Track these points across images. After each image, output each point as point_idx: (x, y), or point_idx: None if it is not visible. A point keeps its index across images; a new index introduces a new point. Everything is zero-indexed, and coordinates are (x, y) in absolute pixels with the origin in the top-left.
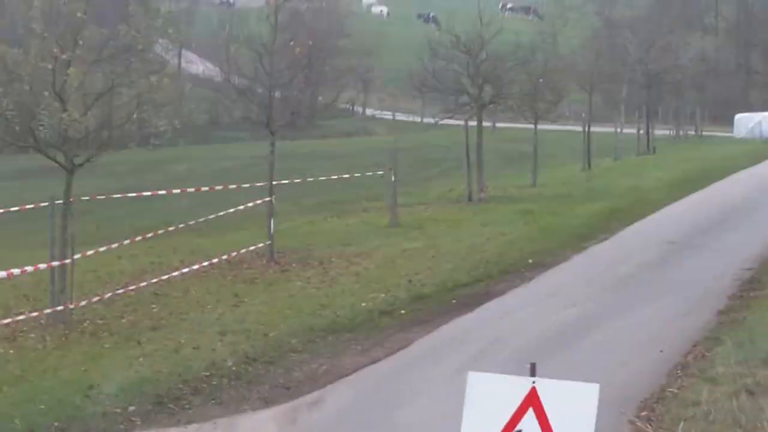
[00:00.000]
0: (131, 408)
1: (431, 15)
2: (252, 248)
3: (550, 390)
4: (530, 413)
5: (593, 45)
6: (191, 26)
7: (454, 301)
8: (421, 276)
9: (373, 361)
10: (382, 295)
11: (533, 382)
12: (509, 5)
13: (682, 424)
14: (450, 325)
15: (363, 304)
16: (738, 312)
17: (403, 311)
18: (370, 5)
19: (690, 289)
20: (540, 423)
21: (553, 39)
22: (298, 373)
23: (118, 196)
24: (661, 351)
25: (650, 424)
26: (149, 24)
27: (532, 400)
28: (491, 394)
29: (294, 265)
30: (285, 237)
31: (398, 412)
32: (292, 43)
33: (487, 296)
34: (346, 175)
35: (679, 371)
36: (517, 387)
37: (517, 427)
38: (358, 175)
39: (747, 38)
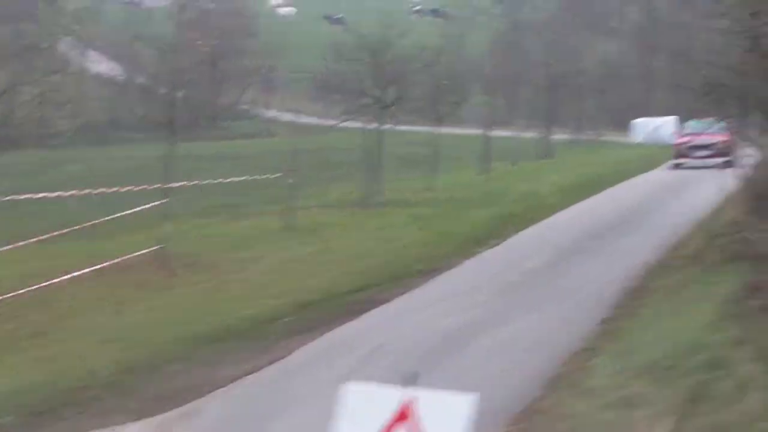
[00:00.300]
0: (4, 420)
1: (338, 16)
2: (143, 252)
3: (425, 401)
4: (403, 425)
5: (498, 48)
6: (97, 25)
7: (341, 307)
8: (311, 282)
9: (255, 370)
10: (269, 301)
11: (408, 393)
12: (417, 8)
13: None
14: (335, 332)
15: (249, 311)
16: (621, 321)
17: (288, 318)
18: (278, 5)
19: (577, 297)
20: None
21: (459, 41)
22: (178, 382)
23: (7, 198)
24: (542, 360)
25: None
26: (55, 21)
27: (406, 411)
28: (365, 405)
29: (184, 270)
30: (177, 241)
31: (275, 422)
32: (198, 42)
33: (375, 302)
34: (244, 178)
35: (557, 382)
36: (392, 398)
37: None
38: (257, 177)
39: (651, 43)
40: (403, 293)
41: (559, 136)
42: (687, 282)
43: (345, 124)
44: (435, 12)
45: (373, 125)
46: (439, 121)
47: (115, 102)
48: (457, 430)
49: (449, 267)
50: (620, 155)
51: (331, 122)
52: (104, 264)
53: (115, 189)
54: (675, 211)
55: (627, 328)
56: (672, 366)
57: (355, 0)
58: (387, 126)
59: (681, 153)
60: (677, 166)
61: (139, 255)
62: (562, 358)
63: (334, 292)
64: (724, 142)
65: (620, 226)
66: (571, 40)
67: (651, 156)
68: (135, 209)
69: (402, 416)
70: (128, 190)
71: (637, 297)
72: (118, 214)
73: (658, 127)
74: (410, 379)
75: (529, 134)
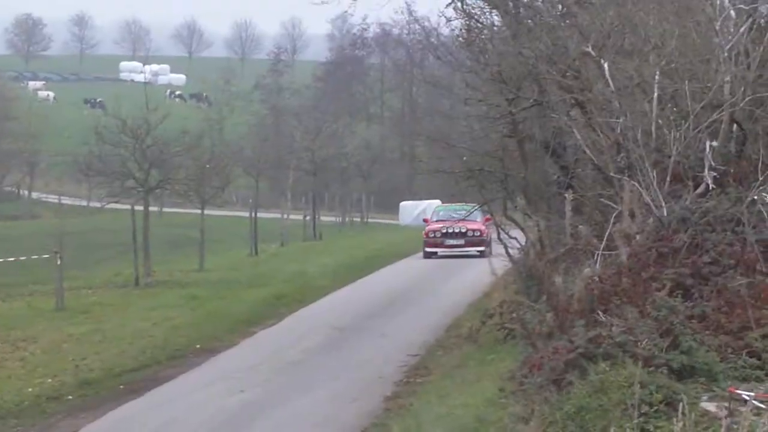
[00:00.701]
0: None
1: (98, 100)
2: None
3: None
4: None
5: (259, 132)
6: None
7: (122, 386)
8: (88, 361)
9: None
10: (49, 380)
11: None
12: (178, 92)
13: None
14: (118, 411)
15: (29, 390)
16: (405, 398)
17: (70, 397)
18: (37, 89)
19: (357, 375)
20: None
21: (220, 125)
22: None
23: None
24: None
25: None
26: None
27: None
28: None
29: None
30: None
31: None
32: None
33: (155, 381)
34: (12, 258)
35: None
36: None
37: None
38: (24, 258)
39: (411, 128)
40: (183, 372)
41: (327, 217)
42: (465, 360)
43: (112, 205)
44: (195, 96)
45: (140, 207)
46: (205, 203)
47: None
48: None
49: (227, 347)
50: (388, 237)
51: (96, 204)
52: None
53: None
54: (446, 293)
55: (412, 405)
56: None
57: (113, 85)
58: (154, 208)
59: (432, 242)
60: (429, 256)
61: None
62: None
63: (115, 371)
64: (478, 230)
65: (393, 307)
66: (333, 126)
67: (418, 238)
68: None
69: None
70: None
71: (418, 375)
72: None
73: (423, 210)
74: None
75: (296, 216)
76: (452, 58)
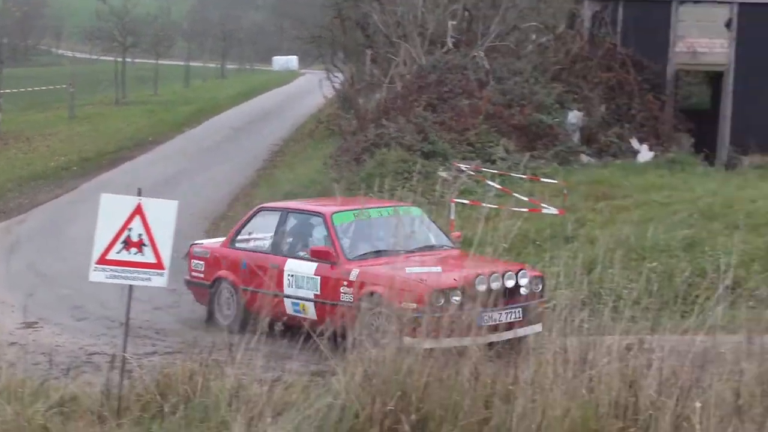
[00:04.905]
0: None
1: None
2: None
3: (148, 205)
4: (137, 220)
5: None
6: None
7: (105, 161)
8: (87, 147)
9: (56, 197)
10: (63, 158)
11: (139, 200)
12: None
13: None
14: (102, 176)
15: (52, 164)
16: (270, 169)
17: (75, 168)
18: None
19: (243, 156)
20: (143, 225)
21: None
22: (12, 203)
23: None
24: (228, 189)
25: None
26: None
27: (138, 211)
28: (114, 208)
29: (12, 141)
30: (6, 124)
31: (70, 227)
32: None
33: (124, 159)
34: (48, 87)
35: (234, 202)
36: (129, 203)
37: (130, 226)
38: (50, 87)
39: (283, 12)
40: (142, 153)
41: (230, 66)
42: (306, 149)
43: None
44: None
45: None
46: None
47: None
48: (168, 222)
49: (168, 140)
50: (265, 78)
51: None
52: None
53: None
54: (297, 109)
55: (274, 172)
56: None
57: None
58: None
59: None
60: None
61: None
62: (238, 188)
63: (102, 153)
64: None
65: (267, 118)
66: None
67: (282, 78)
68: None
69: (136, 214)
70: None
71: (279, 155)
72: None
73: (286, 61)
74: (138, 192)
75: (211, 65)
76: None
